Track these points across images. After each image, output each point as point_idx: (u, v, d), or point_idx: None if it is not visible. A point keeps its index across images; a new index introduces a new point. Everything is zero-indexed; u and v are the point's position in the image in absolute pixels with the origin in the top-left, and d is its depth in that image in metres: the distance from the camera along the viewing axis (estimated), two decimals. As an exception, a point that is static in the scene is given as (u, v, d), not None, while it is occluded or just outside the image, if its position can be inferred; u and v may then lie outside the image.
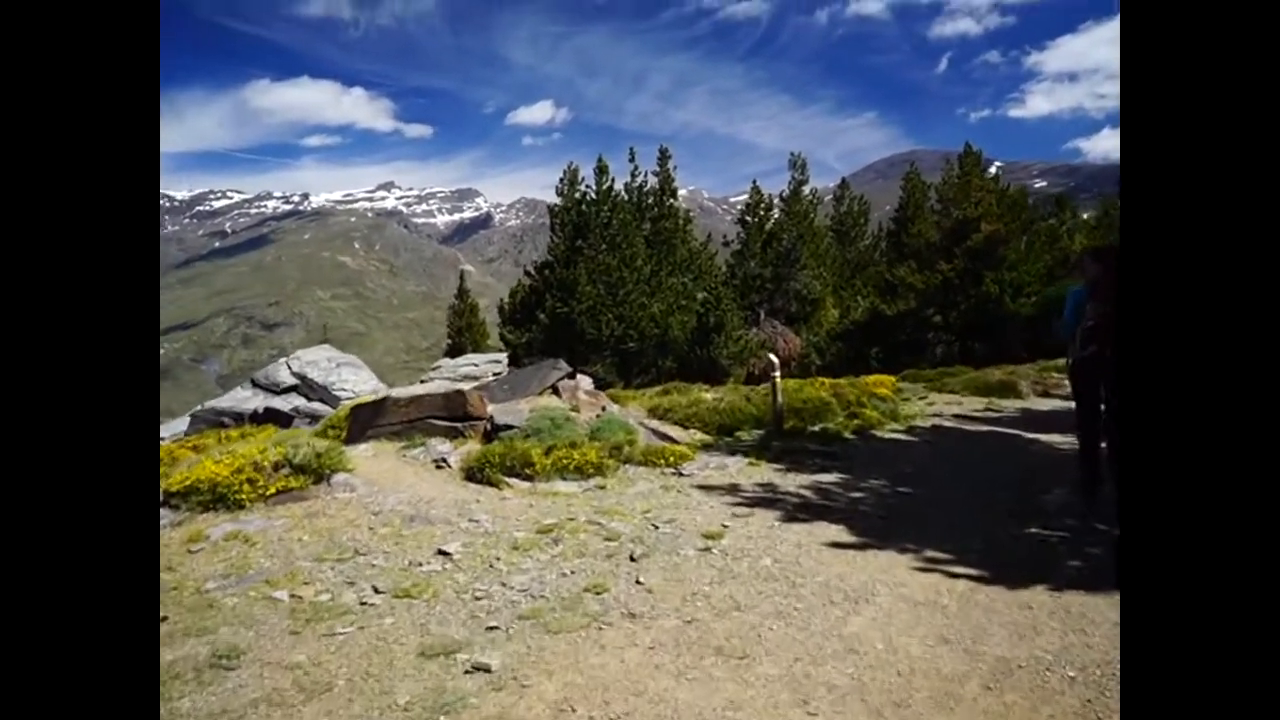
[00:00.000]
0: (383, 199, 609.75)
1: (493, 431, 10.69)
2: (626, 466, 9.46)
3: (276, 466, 8.42)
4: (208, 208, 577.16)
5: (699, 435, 11.61)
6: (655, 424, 11.98)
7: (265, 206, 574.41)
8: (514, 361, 42.05)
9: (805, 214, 40.23)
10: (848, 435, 11.41)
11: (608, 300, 25.76)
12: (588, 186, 27.50)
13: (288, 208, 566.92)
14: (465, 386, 31.88)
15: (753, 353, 33.71)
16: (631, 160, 36.97)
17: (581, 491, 8.55)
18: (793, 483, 8.80)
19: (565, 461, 9.07)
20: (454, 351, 52.14)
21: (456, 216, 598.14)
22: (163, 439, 16.77)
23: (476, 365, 42.81)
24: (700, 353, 33.43)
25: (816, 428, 11.84)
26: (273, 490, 8.02)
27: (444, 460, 9.43)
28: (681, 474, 9.18)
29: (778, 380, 11.28)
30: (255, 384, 21.04)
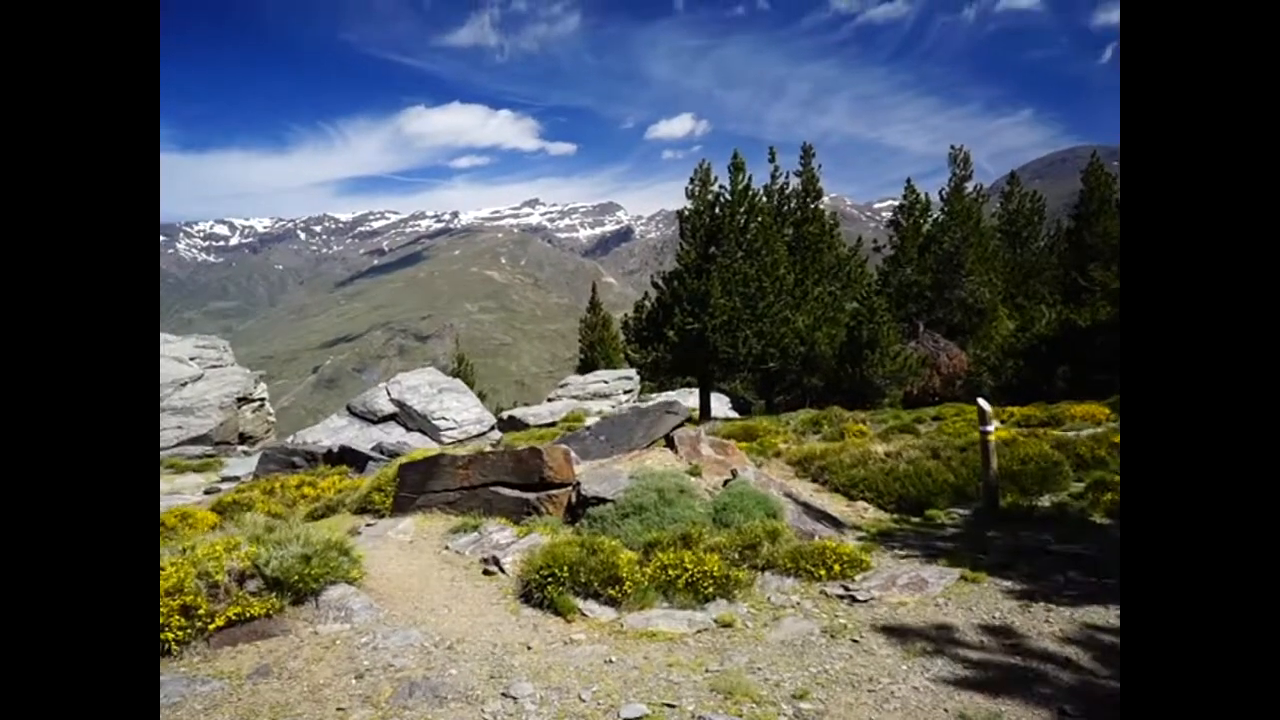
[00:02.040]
0: (528, 215, 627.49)
1: (578, 505, 7.69)
2: (766, 576, 6.21)
3: (241, 578, 5.69)
4: (368, 228, 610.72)
5: (871, 511, 8.16)
6: (808, 493, 8.63)
7: (419, 225, 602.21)
8: (643, 376, 39.45)
9: (969, 213, 35.48)
10: (1098, 517, 7.62)
11: (745, 314, 22.47)
12: (721, 187, 24.34)
13: (439, 226, 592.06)
14: (595, 406, 29.00)
15: (913, 370, 29.48)
16: (771, 160, 33.40)
17: (693, 633, 5.35)
18: (1045, 625, 5.28)
19: (673, 572, 5.91)
20: (585, 367, 50.01)
21: (598, 230, 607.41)
22: (230, 479, 14.87)
23: (606, 382, 40.30)
24: (851, 371, 29.51)
25: (1045, 501, 8.14)
26: (220, 622, 5.26)
27: (496, 561, 6.46)
28: (855, 597, 5.82)
29: (990, 439, 7.62)
30: (351, 411, 19.03)
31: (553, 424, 32.14)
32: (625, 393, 38.16)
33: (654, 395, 37.06)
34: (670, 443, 9.08)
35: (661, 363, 23.95)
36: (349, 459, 13.59)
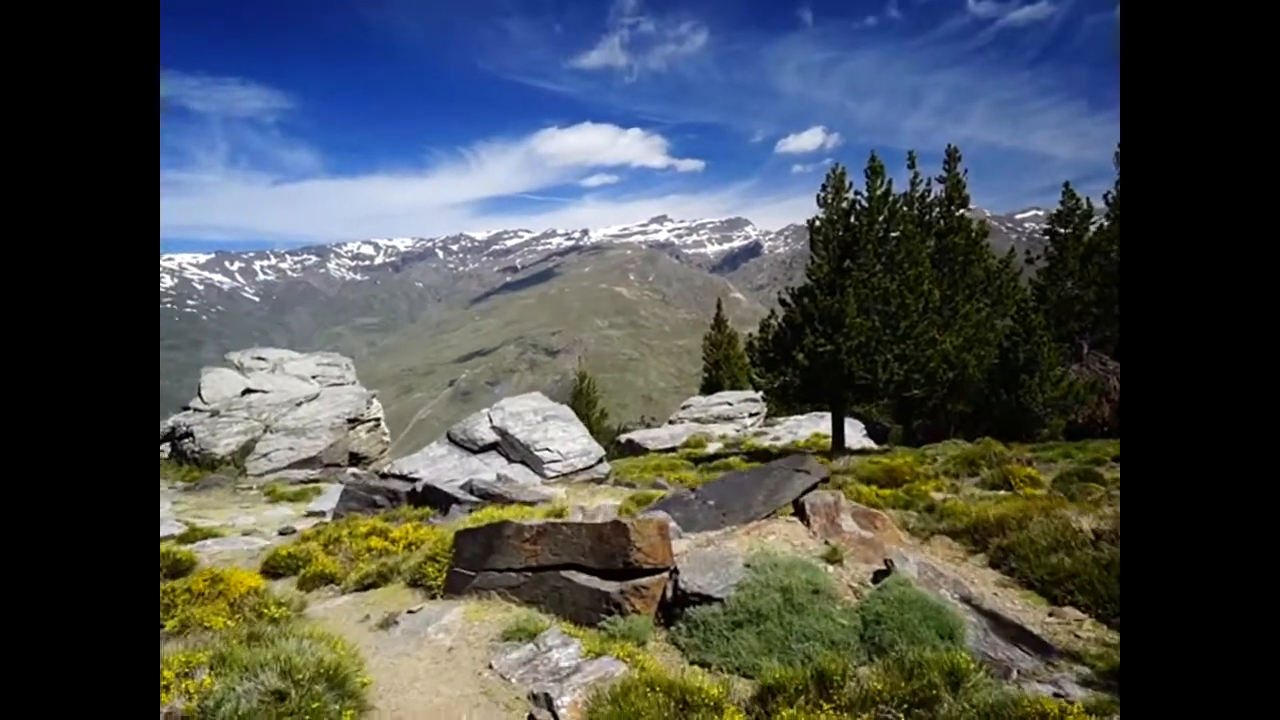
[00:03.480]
0: (655, 231, 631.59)
1: (675, 602, 5.74)
2: (947, 752, 4.06)
3: (185, 727, 4.06)
4: (502, 247, 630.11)
5: (1088, 625, 5.76)
6: (989, 588, 6.33)
7: (550, 243, 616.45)
8: (768, 399, 36.99)
9: (1142, 218, 31.32)
10: None
11: (884, 334, 19.91)
12: (857, 193, 21.89)
13: (570, 243, 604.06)
14: (718, 430, 26.89)
15: (1079, 398, 25.95)
16: (911, 166, 30.44)
17: None
18: None
19: (803, 746, 3.88)
20: (709, 387, 47.87)
21: (726, 246, 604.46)
22: (315, 513, 13.70)
23: (730, 404, 38.11)
24: (1005, 397, 26.28)
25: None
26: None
27: (549, 701, 4.55)
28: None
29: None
30: (451, 439, 17.70)
31: (673, 449, 30.28)
32: (750, 416, 35.88)
33: (780, 419, 34.64)
34: (800, 511, 6.99)
35: (789, 388, 21.63)
36: (433, 499, 12.11)
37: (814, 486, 7.61)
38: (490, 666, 5.16)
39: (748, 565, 5.84)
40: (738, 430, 33.55)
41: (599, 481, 16.65)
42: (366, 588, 7.85)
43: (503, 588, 6.38)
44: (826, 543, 6.41)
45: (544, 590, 6.15)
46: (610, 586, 5.87)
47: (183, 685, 4.25)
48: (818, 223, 22.06)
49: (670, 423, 36.69)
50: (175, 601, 7.46)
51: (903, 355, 20.37)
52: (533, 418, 17.58)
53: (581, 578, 6.01)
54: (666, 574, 5.99)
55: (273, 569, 9.17)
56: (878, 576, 5.85)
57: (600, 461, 17.11)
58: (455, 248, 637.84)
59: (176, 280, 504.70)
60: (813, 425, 30.76)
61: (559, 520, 6.38)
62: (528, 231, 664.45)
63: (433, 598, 6.84)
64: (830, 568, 5.98)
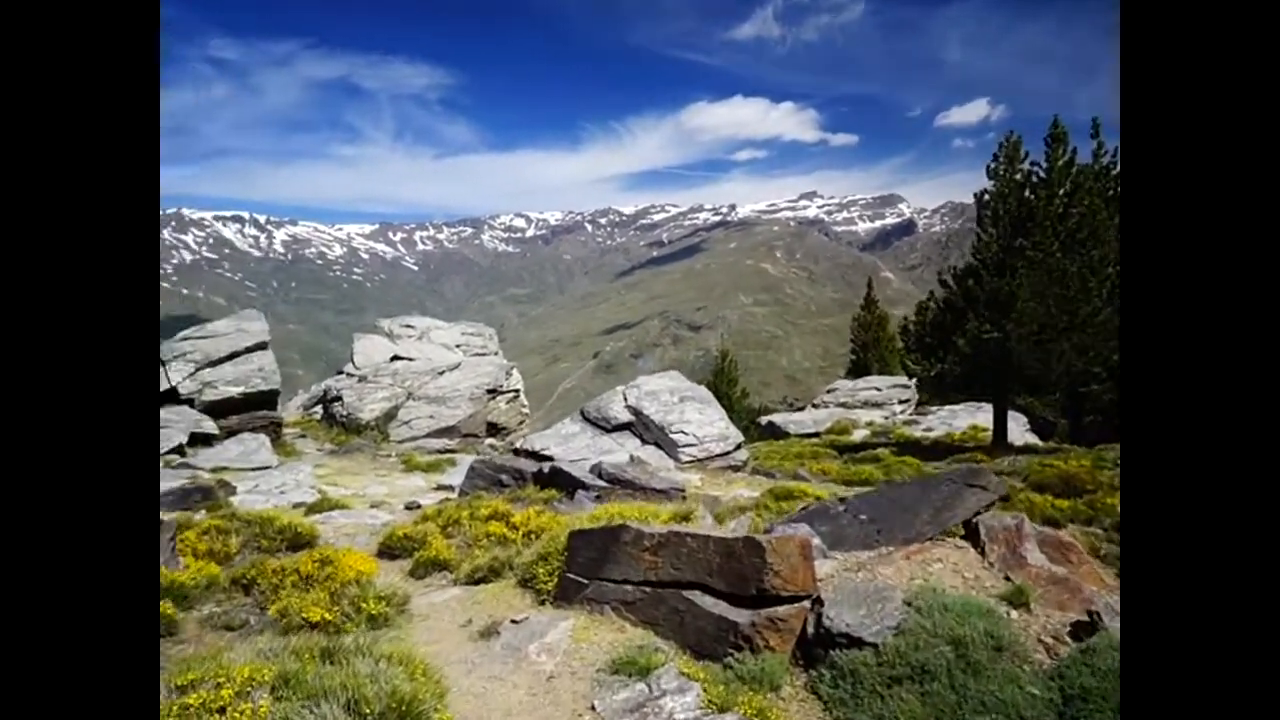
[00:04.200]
0: (804, 208, 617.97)
1: (817, 641, 4.77)
2: None
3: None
4: (649, 221, 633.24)
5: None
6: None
7: (697, 218, 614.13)
8: (921, 387, 34.66)
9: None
10: None
11: (1061, 321, 17.81)
12: (1034, 164, 19.70)
13: (716, 219, 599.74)
14: (865, 416, 25.38)
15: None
16: (1094, 135, 27.40)
17: None
18: None
19: None
20: (856, 370, 45.74)
21: (878, 223, 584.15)
22: (444, 486, 13.44)
23: (879, 390, 36.10)
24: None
25: None
26: None
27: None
28: None
29: None
30: (585, 417, 17.19)
31: (815, 434, 28.88)
32: (900, 403, 33.85)
33: (932, 408, 32.46)
34: (972, 535, 5.83)
35: (947, 376, 19.86)
36: (560, 481, 11.53)
37: (990, 505, 6.40)
38: (593, 708, 4.37)
39: (909, 603, 4.79)
40: (886, 417, 31.70)
41: (735, 469, 15.73)
42: (477, 581, 7.28)
43: (617, 602, 5.59)
44: (1007, 578, 5.25)
45: (663, 611, 5.32)
46: (740, 615, 4.96)
47: (240, 708, 3.68)
48: (987, 196, 20.04)
49: (814, 406, 35.18)
50: (283, 583, 7.13)
51: (1081, 346, 18.23)
52: (669, 398, 16.81)
53: (707, 601, 5.13)
54: (807, 603, 5.03)
55: (389, 549, 8.80)
56: (1078, 631, 4.66)
57: (738, 447, 16.17)
58: (603, 221, 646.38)
59: (345, 249, 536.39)
60: (969, 416, 28.57)
61: (684, 530, 5.50)
62: (674, 206, 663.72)
63: (542, 603, 6.15)
64: (1014, 613, 4.84)
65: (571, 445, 16.04)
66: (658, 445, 15.94)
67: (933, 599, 4.80)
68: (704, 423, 16.14)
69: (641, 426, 16.35)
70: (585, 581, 5.87)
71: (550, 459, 15.60)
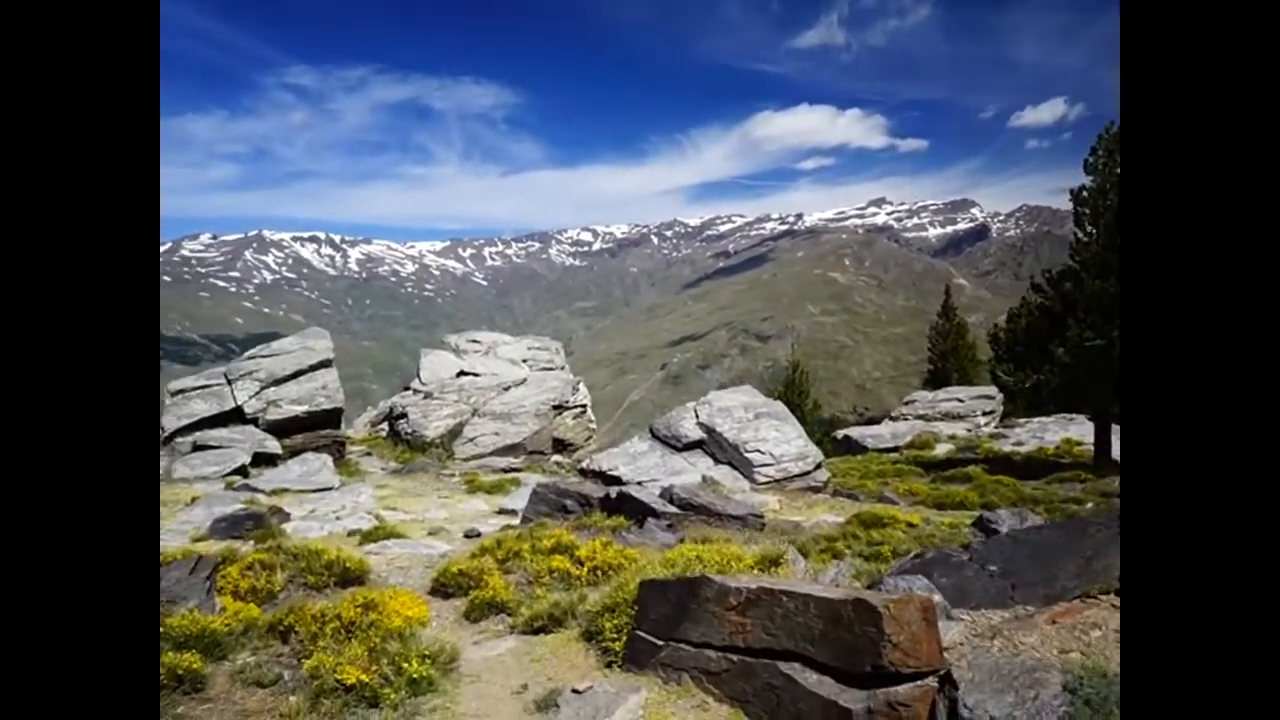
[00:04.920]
0: (873, 215, 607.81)
1: (952, 736, 3.79)
2: None
3: None
4: (715, 232, 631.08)
5: None
6: None
7: (764, 228, 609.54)
8: (1011, 399, 32.71)
9: None
10: None
11: (1171, 326, 16.26)
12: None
13: (783, 228, 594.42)
14: (947, 429, 23.93)
15: None
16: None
17: None
18: None
19: None
20: (934, 380, 43.86)
21: (949, 229, 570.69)
22: (506, 510, 12.67)
23: (960, 401, 34.31)
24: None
25: None
26: None
27: None
28: None
29: None
30: (654, 435, 16.32)
31: (895, 449, 27.44)
32: (984, 415, 32.09)
33: (1020, 421, 30.67)
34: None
35: (1045, 388, 18.42)
36: (628, 508, 10.68)
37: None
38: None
39: (1071, 690, 3.77)
40: (969, 430, 30.03)
41: (816, 490, 14.66)
42: (537, 630, 6.46)
43: (697, 670, 4.69)
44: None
45: (754, 686, 4.39)
46: (852, 699, 4.00)
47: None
48: (1085, 193, 18.59)
49: (891, 419, 33.65)
50: (322, 631, 6.41)
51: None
52: (743, 414, 15.83)
53: (809, 678, 4.19)
54: (933, 681, 4.05)
55: (442, 586, 8.06)
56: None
57: (818, 467, 15.09)
58: (669, 234, 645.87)
59: (417, 266, 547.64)
60: (1060, 430, 26.78)
61: (777, 586, 4.56)
62: (740, 216, 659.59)
63: (609, 665, 5.28)
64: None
65: (640, 465, 15.19)
66: (732, 465, 14.98)
67: (1101, 682, 3.77)
68: (781, 441, 15.11)
69: (714, 445, 15.40)
70: (659, 643, 4.98)
71: (618, 479, 14.79)
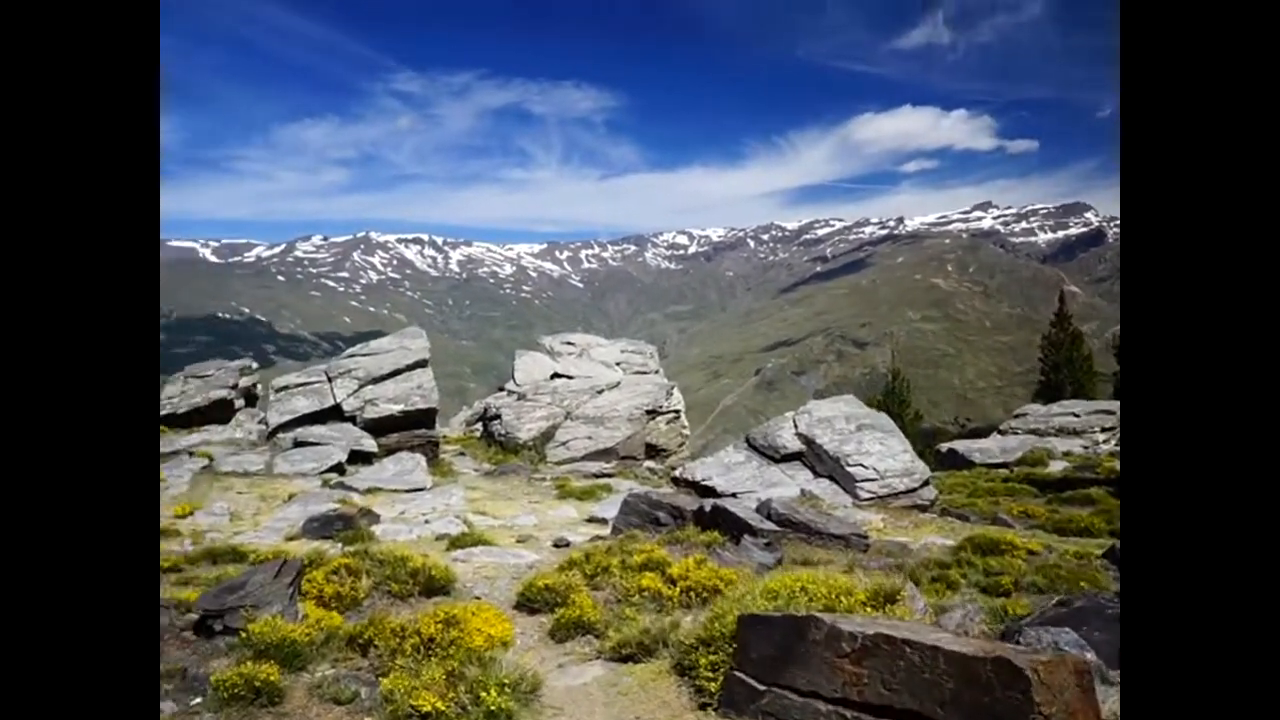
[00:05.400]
0: (979, 219, 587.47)
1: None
2: None
3: None
4: (812, 236, 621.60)
5: None
6: None
7: (863, 232, 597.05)
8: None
9: None
10: None
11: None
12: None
13: (883, 232, 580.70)
14: (1062, 445, 22.51)
15: None
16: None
17: None
18: None
19: None
20: (1046, 392, 41.56)
21: (1061, 234, 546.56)
22: (596, 519, 12.29)
23: (1077, 415, 32.28)
24: None
25: None
26: None
27: None
28: None
29: None
30: (751, 444, 15.72)
31: (1004, 464, 25.93)
32: (1104, 431, 30.06)
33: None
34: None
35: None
36: (723, 523, 10.14)
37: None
38: None
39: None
40: (1086, 448, 28.17)
41: (922, 508, 13.78)
42: (625, 658, 6.02)
43: (805, 723, 4.14)
44: None
45: (874, 749, 3.83)
46: (993, 780, 3.39)
47: None
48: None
49: (1000, 432, 31.95)
50: (401, 647, 6.13)
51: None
52: (844, 425, 15.07)
53: (940, 746, 3.60)
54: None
55: (528, 601, 7.73)
56: None
57: (925, 484, 14.22)
58: (766, 237, 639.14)
59: (515, 268, 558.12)
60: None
61: (899, 635, 3.98)
62: (839, 220, 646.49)
63: (703, 707, 4.79)
64: None
65: (735, 476, 14.62)
66: (832, 479, 14.25)
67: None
68: (885, 454, 14.30)
69: (814, 457, 14.70)
70: (760, 687, 4.46)
71: (713, 490, 14.27)
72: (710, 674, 4.94)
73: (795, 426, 15.44)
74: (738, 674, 4.66)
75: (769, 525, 10.08)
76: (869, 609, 5.26)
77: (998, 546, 9.96)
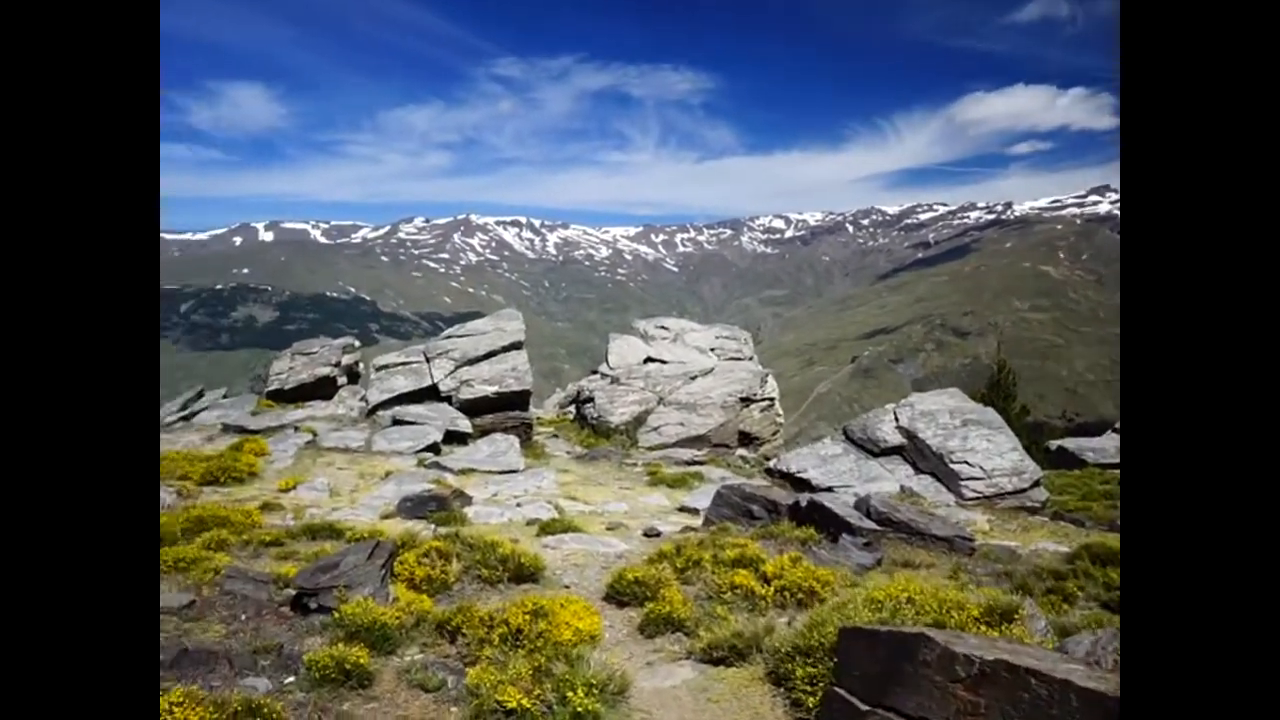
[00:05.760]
0: (1095, 204, 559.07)
1: None
2: None
3: None
4: (914, 221, 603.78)
5: None
6: None
7: (968, 217, 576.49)
8: None
9: None
10: None
11: None
12: None
13: (990, 217, 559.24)
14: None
15: None
16: None
17: None
18: None
19: None
20: (1167, 389, 39.14)
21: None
22: (688, 509, 12.03)
23: (1201, 415, 30.45)
24: None
25: None
26: None
27: None
28: None
29: None
30: (848, 437, 15.19)
31: (1118, 464, 24.60)
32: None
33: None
34: None
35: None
36: (820, 519, 9.76)
37: None
38: None
39: None
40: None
41: (1031, 510, 13.04)
42: (716, 660, 5.78)
43: (915, 751, 3.82)
44: None
45: (991, 788, 3.48)
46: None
47: None
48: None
49: (1115, 430, 30.31)
50: (489, 637, 6.05)
51: None
52: (949, 420, 14.39)
53: (1069, 793, 3.23)
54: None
55: (617, 594, 7.58)
56: None
57: (1035, 485, 13.45)
58: (865, 222, 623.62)
59: (611, 251, 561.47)
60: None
61: (1021, 662, 3.59)
62: (943, 205, 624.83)
63: (800, 725, 4.51)
64: None
65: (832, 469, 14.16)
66: (934, 475, 13.63)
67: None
68: (992, 452, 13.58)
69: (915, 452, 14.10)
70: (863, 708, 4.15)
71: (808, 484, 13.87)
72: (808, 687, 4.66)
73: (896, 419, 14.84)
74: (838, 690, 4.36)
75: (868, 524, 9.66)
76: (983, 627, 4.86)
77: (1118, 557, 9.28)
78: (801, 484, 13.74)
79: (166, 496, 11.92)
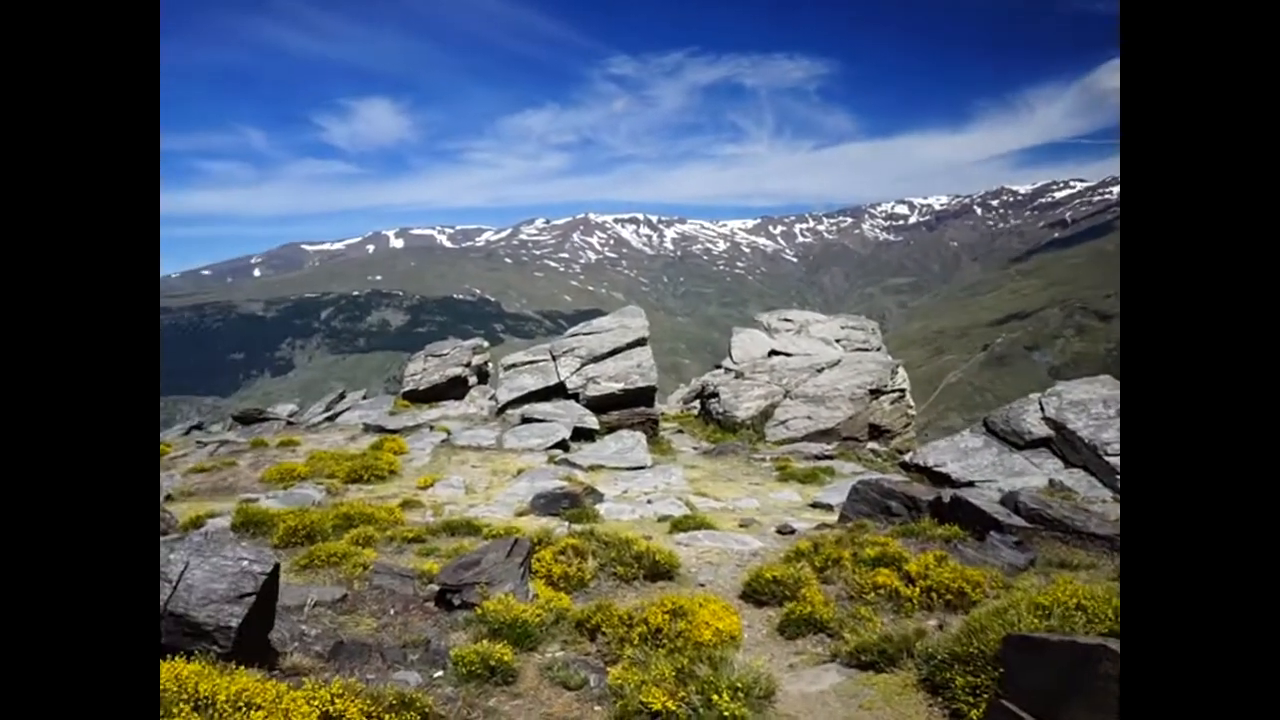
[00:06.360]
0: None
1: None
2: None
3: None
4: (1049, 199, 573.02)
5: None
6: None
7: (1109, 193, 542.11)
8: None
9: None
10: None
11: None
12: None
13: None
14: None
15: None
16: None
17: None
18: None
19: None
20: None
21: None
22: (820, 505, 11.65)
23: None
24: None
25: None
26: None
27: None
28: None
29: None
30: (990, 429, 14.44)
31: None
32: None
33: None
34: None
35: None
36: (964, 515, 9.27)
37: None
38: None
39: None
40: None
41: (1199, 505, 12.05)
42: (864, 665, 5.54)
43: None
44: None
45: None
46: None
47: None
48: None
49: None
50: (629, 636, 6.03)
51: None
52: (1102, 410, 13.45)
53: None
54: None
55: (754, 593, 7.44)
56: None
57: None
58: (995, 203, 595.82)
59: (728, 244, 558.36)
60: None
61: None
62: (1080, 181, 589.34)
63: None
64: None
65: (972, 462, 13.51)
66: (1087, 469, 12.79)
67: None
68: (1152, 443, 12.62)
69: (1064, 444, 13.26)
70: (1036, 724, 3.85)
71: (947, 478, 13.28)
72: (969, 698, 4.38)
73: (1042, 410, 14.01)
74: (1005, 703, 4.07)
75: (1017, 520, 9.11)
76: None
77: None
78: (940, 479, 13.15)
79: (315, 494, 12.54)
